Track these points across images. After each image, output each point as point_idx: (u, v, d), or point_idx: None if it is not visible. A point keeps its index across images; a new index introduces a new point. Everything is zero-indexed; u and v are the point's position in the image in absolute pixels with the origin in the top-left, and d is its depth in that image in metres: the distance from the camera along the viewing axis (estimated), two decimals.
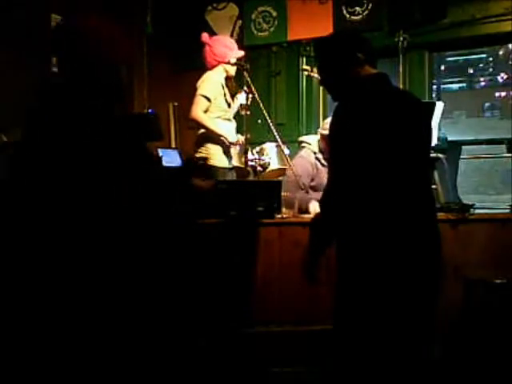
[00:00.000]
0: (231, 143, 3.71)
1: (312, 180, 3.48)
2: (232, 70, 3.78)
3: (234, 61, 3.68)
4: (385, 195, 1.78)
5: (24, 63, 3.49)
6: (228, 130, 3.76)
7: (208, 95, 3.67)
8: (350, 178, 1.78)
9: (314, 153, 3.54)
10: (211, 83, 3.71)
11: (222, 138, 3.73)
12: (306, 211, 3.22)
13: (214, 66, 3.79)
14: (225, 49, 3.77)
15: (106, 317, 1.41)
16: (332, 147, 1.85)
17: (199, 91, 3.69)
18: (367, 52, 1.90)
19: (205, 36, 3.86)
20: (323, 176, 3.38)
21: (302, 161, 3.50)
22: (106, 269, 1.42)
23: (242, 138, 3.63)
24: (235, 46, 3.86)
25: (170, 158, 4.04)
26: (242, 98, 3.73)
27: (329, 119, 3.81)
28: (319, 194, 3.38)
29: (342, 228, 1.84)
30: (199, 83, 3.74)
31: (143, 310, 1.47)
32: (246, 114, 3.49)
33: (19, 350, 1.41)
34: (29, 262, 1.42)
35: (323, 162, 3.49)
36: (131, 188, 1.45)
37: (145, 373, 1.50)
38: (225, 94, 3.78)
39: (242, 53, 3.80)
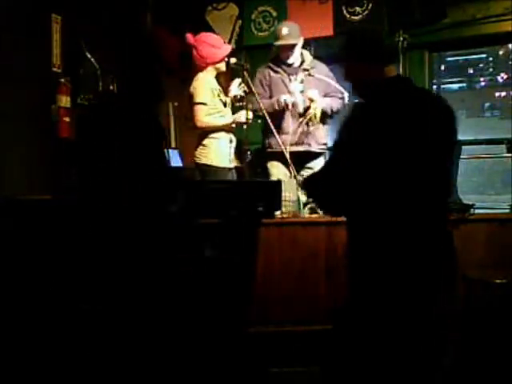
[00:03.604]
0: (241, 123, 3.71)
1: (270, 88, 3.84)
2: (223, 67, 3.76)
3: (233, 61, 3.69)
4: (386, 196, 1.78)
5: (25, 62, 3.49)
6: (230, 116, 3.79)
7: (203, 101, 3.65)
8: (350, 173, 1.81)
9: (269, 66, 3.86)
10: (203, 89, 3.68)
11: (227, 134, 3.75)
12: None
13: (204, 68, 3.75)
14: (212, 49, 3.72)
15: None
16: (340, 140, 1.88)
17: (195, 99, 3.66)
18: (387, 53, 1.96)
19: (189, 37, 3.76)
20: (278, 82, 3.82)
21: (257, 75, 3.89)
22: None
23: (240, 115, 3.71)
24: (221, 42, 3.81)
25: (170, 158, 4.03)
26: (234, 89, 3.75)
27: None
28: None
29: (353, 225, 1.88)
30: (192, 90, 3.70)
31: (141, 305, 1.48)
32: (241, 105, 3.57)
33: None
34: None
35: (275, 69, 3.85)
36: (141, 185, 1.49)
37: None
38: (218, 95, 3.76)
39: (229, 47, 3.78)
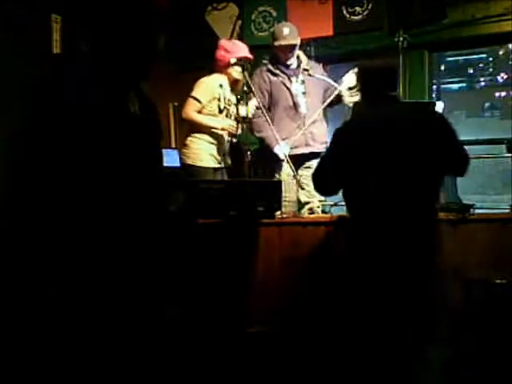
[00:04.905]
0: (223, 129, 3.72)
1: (270, 94, 3.78)
2: (235, 74, 3.75)
3: (233, 61, 3.69)
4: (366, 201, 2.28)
5: (25, 62, 3.49)
6: (219, 121, 3.76)
7: (198, 97, 3.68)
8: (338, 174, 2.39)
9: (268, 69, 3.79)
10: (204, 87, 3.72)
11: (211, 136, 3.75)
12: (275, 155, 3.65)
13: (219, 70, 3.79)
14: (224, 53, 3.76)
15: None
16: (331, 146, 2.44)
17: (192, 93, 3.71)
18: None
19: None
20: (278, 85, 3.76)
21: (254, 79, 3.77)
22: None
23: (231, 124, 3.70)
24: (238, 48, 3.80)
25: (170, 158, 4.04)
26: (245, 111, 3.68)
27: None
28: (283, 111, 3.77)
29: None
30: (195, 85, 3.75)
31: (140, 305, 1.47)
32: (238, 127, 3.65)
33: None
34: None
35: (274, 71, 3.77)
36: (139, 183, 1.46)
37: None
38: (219, 99, 3.75)
39: (241, 54, 3.75)
